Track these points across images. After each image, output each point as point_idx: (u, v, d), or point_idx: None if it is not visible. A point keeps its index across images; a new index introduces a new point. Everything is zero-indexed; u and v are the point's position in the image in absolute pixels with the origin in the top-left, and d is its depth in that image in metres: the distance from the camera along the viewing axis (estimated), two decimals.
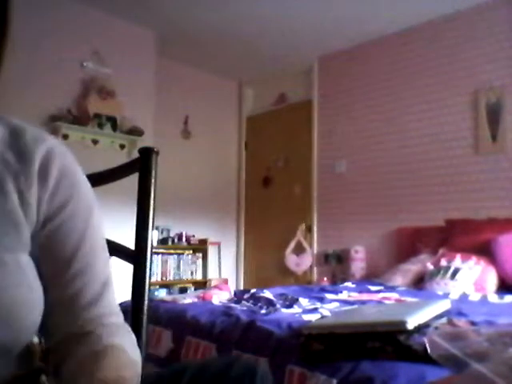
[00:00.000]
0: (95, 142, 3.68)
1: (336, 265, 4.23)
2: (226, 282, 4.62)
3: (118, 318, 0.63)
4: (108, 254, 0.65)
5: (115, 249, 0.85)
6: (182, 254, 4.55)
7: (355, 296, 2.49)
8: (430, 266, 2.94)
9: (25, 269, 0.54)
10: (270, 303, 2.04)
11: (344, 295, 2.53)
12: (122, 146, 3.86)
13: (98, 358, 0.54)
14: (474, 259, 2.83)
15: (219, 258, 4.91)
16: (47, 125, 3.38)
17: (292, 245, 4.59)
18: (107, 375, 0.52)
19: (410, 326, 1.17)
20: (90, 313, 0.59)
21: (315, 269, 4.48)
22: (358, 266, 3.96)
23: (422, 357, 1.12)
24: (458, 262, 2.84)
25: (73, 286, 0.59)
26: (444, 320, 1.30)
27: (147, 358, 0.82)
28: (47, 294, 0.58)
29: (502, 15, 3.46)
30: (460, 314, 1.71)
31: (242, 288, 4.75)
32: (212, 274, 4.77)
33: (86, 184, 0.63)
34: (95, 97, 3.63)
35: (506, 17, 3.44)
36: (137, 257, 0.89)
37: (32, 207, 0.56)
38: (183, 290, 4.39)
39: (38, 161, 0.57)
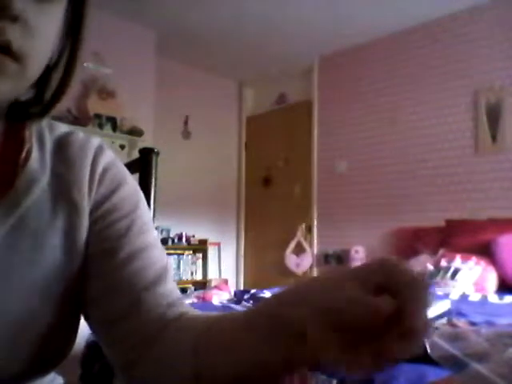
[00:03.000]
0: None
1: (336, 265, 4.22)
2: (226, 282, 4.62)
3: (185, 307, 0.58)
4: (162, 247, 0.63)
5: None
6: (182, 254, 4.55)
7: None
8: (430, 267, 2.94)
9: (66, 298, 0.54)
10: None
11: None
12: (122, 147, 3.86)
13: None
14: (474, 260, 2.83)
15: (219, 258, 4.91)
16: None
17: (292, 245, 4.59)
18: None
19: None
20: (150, 296, 0.54)
21: (315, 269, 4.48)
22: None
23: (422, 357, 1.11)
24: (458, 262, 2.84)
25: (125, 269, 0.55)
26: (444, 320, 1.30)
27: None
28: (94, 285, 0.55)
29: (502, 15, 3.46)
30: (460, 314, 1.70)
31: (242, 288, 4.75)
32: (212, 274, 4.77)
33: (132, 180, 0.62)
34: (95, 97, 3.63)
35: (505, 17, 3.44)
36: None
37: (86, 213, 0.56)
38: (183, 291, 4.38)
39: (88, 165, 0.56)
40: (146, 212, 0.61)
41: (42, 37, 0.45)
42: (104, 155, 0.58)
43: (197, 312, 0.56)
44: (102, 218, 0.56)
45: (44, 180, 0.52)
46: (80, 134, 0.59)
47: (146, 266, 0.56)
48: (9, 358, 0.50)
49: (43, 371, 0.56)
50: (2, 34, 0.41)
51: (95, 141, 0.59)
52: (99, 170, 0.57)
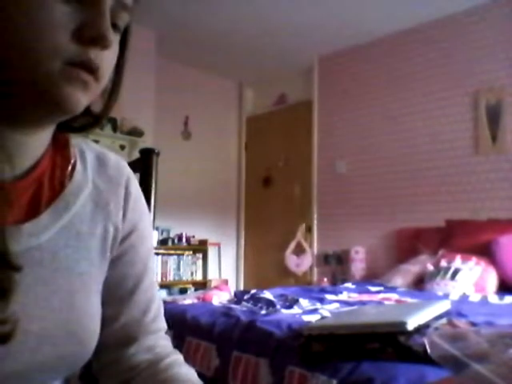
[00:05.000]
0: (95, 142, 3.66)
1: (336, 265, 4.22)
2: (226, 282, 4.62)
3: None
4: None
5: None
6: (182, 254, 4.55)
7: (355, 297, 2.49)
8: (430, 267, 2.94)
9: (99, 297, 0.60)
10: (270, 304, 2.04)
11: (344, 296, 2.53)
12: (123, 147, 3.86)
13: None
14: (474, 260, 2.83)
15: (219, 258, 4.91)
16: None
17: (292, 245, 4.59)
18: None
19: (410, 326, 1.17)
20: (153, 327, 0.66)
21: (315, 269, 4.48)
22: (358, 267, 3.96)
23: (422, 357, 1.12)
24: (458, 262, 2.84)
25: (143, 301, 0.64)
26: (444, 321, 1.30)
27: None
28: (106, 310, 0.61)
29: (502, 15, 3.46)
30: (460, 314, 1.71)
31: (242, 289, 4.75)
32: (212, 274, 4.77)
33: (147, 208, 0.69)
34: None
35: (505, 17, 3.44)
36: None
37: (119, 232, 0.61)
38: (183, 291, 4.38)
39: (123, 185, 0.63)
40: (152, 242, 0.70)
41: (113, 60, 0.53)
42: (134, 182, 0.66)
43: (169, 352, 0.66)
44: (127, 250, 0.63)
45: (87, 191, 0.58)
46: (111, 153, 0.66)
47: (149, 303, 0.65)
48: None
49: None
50: (96, 59, 0.48)
51: (126, 164, 0.67)
52: (132, 196, 0.64)
